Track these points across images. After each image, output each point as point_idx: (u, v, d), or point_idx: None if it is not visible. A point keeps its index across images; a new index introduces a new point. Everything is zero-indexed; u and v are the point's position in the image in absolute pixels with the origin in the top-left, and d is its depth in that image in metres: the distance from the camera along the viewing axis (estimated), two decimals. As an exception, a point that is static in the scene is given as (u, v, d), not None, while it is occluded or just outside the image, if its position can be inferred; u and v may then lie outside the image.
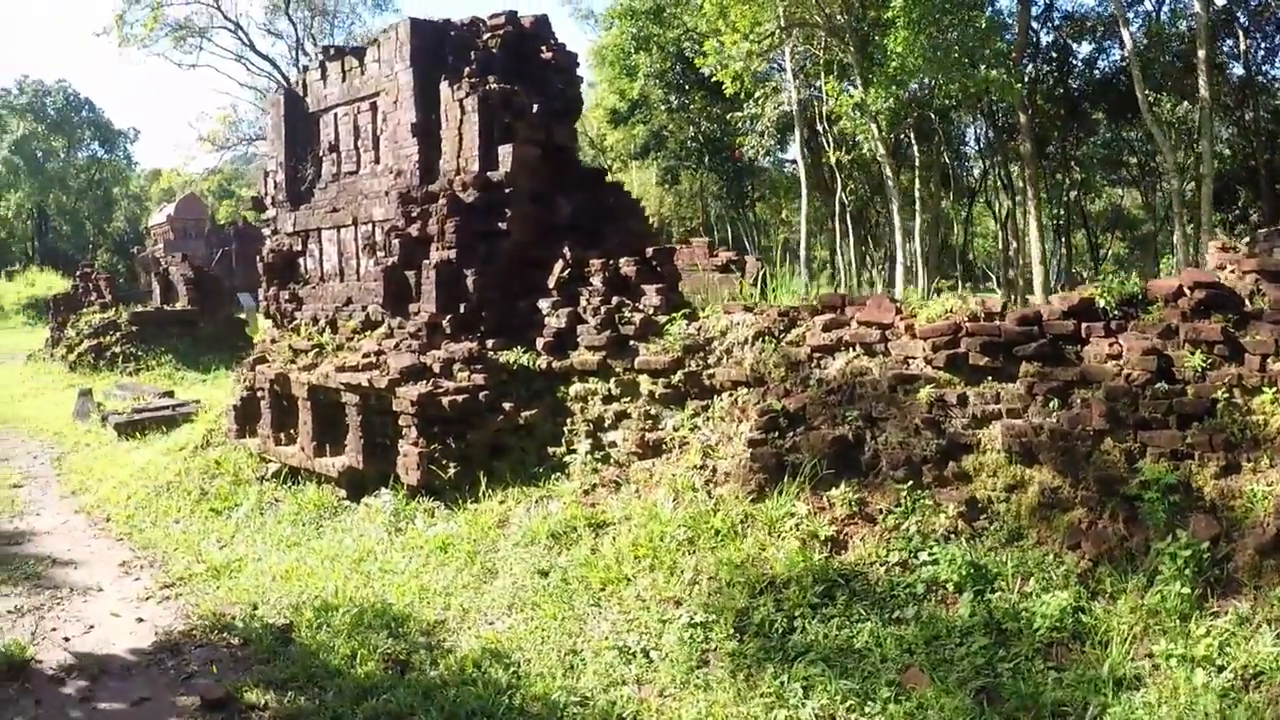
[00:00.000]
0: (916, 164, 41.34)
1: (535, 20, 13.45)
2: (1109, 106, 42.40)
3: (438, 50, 13.21)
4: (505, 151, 12.09)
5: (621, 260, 11.39)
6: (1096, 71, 42.76)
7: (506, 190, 12.04)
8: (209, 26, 48.12)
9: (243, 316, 34.35)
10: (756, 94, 39.79)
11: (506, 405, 11.18)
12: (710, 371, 10.11)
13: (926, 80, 34.00)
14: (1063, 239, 50.97)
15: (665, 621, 7.60)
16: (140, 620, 9.36)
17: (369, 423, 11.88)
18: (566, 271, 11.64)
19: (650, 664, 7.17)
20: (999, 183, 49.64)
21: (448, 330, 11.92)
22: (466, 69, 12.56)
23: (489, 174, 12.09)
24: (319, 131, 15.44)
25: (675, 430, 10.20)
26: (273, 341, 15.42)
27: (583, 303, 11.31)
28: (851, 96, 33.49)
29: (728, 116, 42.95)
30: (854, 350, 9.14)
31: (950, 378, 8.43)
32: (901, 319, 8.96)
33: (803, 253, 39.41)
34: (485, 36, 13.08)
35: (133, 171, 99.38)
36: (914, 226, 40.12)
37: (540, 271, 11.94)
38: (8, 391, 27.35)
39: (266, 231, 16.77)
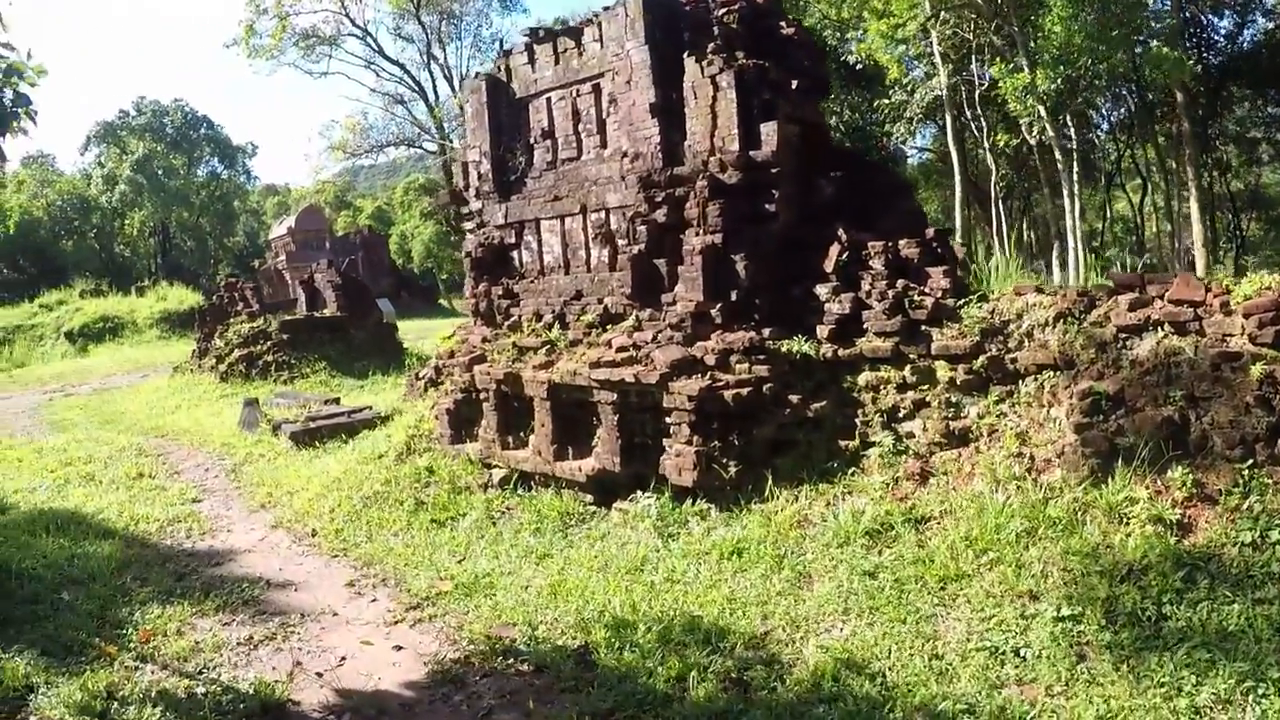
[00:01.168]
0: (1074, 146, 39.42)
1: None
2: (1252, 82, 40.82)
3: (671, 26, 12.63)
4: (769, 130, 11.47)
5: (901, 242, 10.87)
6: (1238, 47, 41.17)
7: (773, 170, 11.45)
8: (337, 35, 47.42)
9: (393, 322, 33.36)
10: (905, 80, 38.18)
11: (793, 398, 10.62)
12: (1012, 355, 9.65)
13: (1088, 60, 32.58)
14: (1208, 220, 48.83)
15: (1027, 617, 7.21)
16: (398, 648, 8.53)
17: (626, 422, 11.26)
18: (844, 255, 11.08)
19: (1025, 662, 6.76)
20: (1134, 165, 48.62)
21: (717, 320, 11.33)
22: (710, 45, 11.94)
23: (750, 154, 11.48)
24: (528, 118, 14.83)
25: (980, 418, 9.73)
26: (484, 340, 14.66)
27: (865, 287, 10.78)
28: (1020, 77, 31.90)
29: (874, 104, 41.22)
30: (1163, 329, 8.75)
31: (1278, 354, 7.99)
32: (1214, 296, 8.56)
33: (957, 239, 37.66)
34: (720, 12, 12.40)
35: (251, 186, 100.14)
36: (1067, 210, 38.28)
37: (805, 256, 11.41)
38: (161, 404, 26.62)
39: (468, 226, 15.92)
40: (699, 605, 8.36)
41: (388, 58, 48.58)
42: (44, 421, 25.48)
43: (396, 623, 9.08)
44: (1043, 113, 33.56)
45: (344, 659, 8.31)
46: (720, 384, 10.51)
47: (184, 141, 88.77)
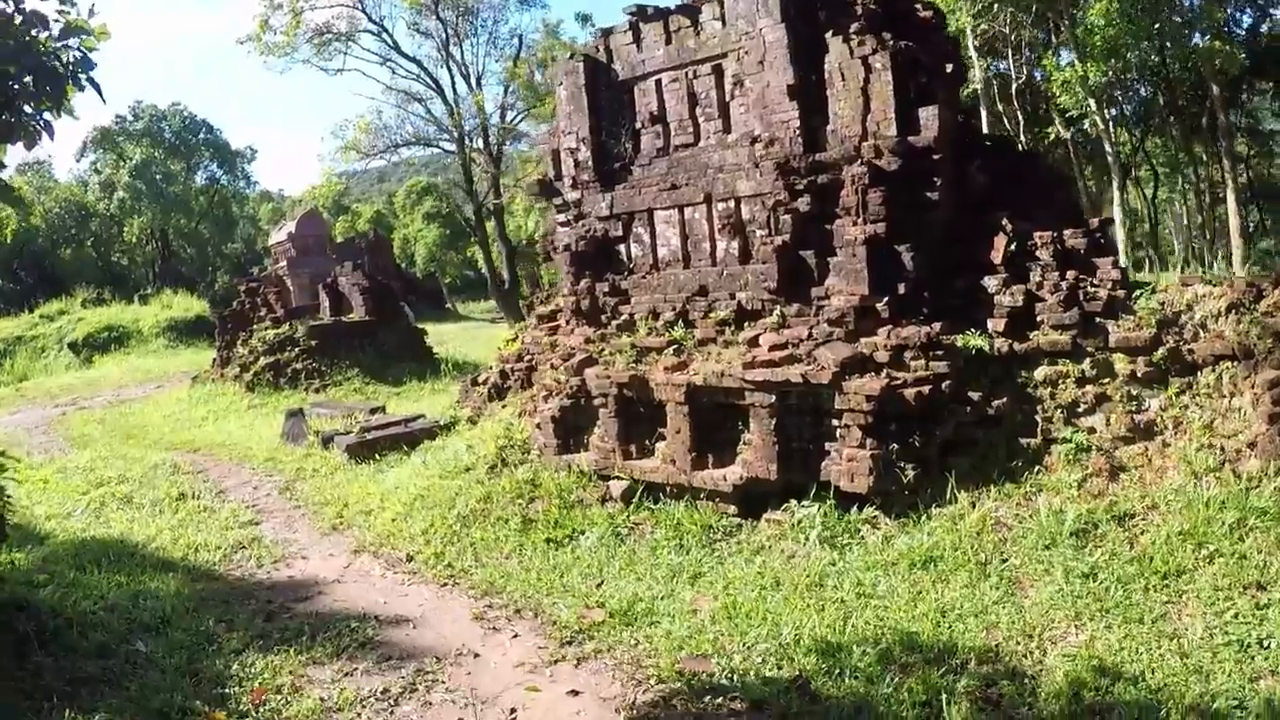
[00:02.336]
0: (1114, 139, 38.44)
1: None
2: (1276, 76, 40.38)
3: (804, 4, 11.84)
4: (929, 114, 10.95)
5: (1067, 232, 10.57)
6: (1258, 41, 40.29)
7: (934, 157, 10.91)
8: (352, 31, 45.93)
9: (422, 326, 32.01)
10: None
11: (973, 395, 10.14)
12: (1189, 347, 9.56)
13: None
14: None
15: (1262, 608, 7.03)
16: (574, 693, 7.39)
17: (782, 426, 10.49)
18: (1011, 246, 10.71)
19: (1272, 652, 6.53)
20: (1145, 158, 48.44)
21: (884, 315, 10.70)
22: (853, 25, 11.30)
23: (909, 139, 10.90)
24: (633, 101, 13.86)
25: (1163, 411, 9.60)
26: (586, 341, 13.59)
27: (1035, 279, 10.47)
28: (1073, 69, 31.09)
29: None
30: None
31: None
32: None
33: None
34: None
35: (251, 191, 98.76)
36: (1115, 203, 37.44)
37: (964, 247, 11.06)
38: (185, 416, 25.23)
39: (559, 218, 14.72)
40: (909, 620, 7.77)
41: (404, 54, 47.00)
42: (61, 437, 24.09)
43: (555, 662, 7.95)
44: (1093, 105, 32.90)
45: (514, 711, 7.09)
46: (899, 382, 9.94)
47: (183, 146, 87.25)
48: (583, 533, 11.03)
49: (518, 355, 16.69)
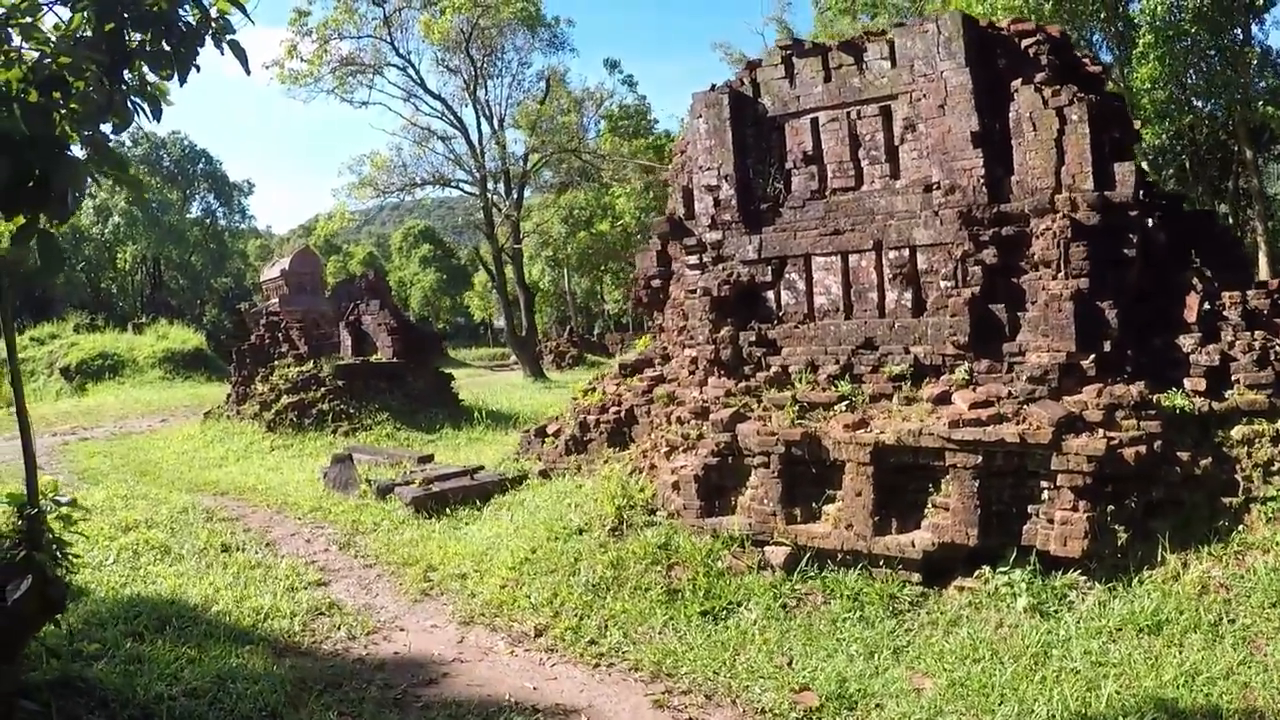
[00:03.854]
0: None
1: (1061, 31, 12.18)
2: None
3: (984, 49, 11.52)
4: (1125, 170, 10.66)
5: (1250, 292, 10.74)
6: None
7: (1130, 213, 10.62)
8: (379, 64, 44.64)
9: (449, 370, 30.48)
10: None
11: (1182, 455, 9.77)
12: None
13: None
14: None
15: None
16: None
17: (984, 488, 9.89)
18: (1204, 305, 10.67)
19: None
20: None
21: (1089, 373, 10.27)
22: (1038, 74, 11.08)
23: (1106, 194, 10.55)
24: (782, 140, 12.90)
25: None
26: (728, 394, 12.24)
27: (1226, 338, 10.47)
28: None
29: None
30: None
31: None
32: None
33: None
34: (1026, 43, 11.46)
35: (248, 225, 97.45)
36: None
37: (1153, 303, 10.88)
38: (201, 455, 23.48)
39: (690, 260, 13.38)
40: (1158, 687, 7.35)
41: (429, 90, 45.63)
42: (67, 469, 22.30)
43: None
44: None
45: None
46: (1115, 442, 9.48)
47: (181, 175, 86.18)
48: (740, 605, 9.88)
49: (601, 406, 15.16)
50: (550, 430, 16.60)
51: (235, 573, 11.99)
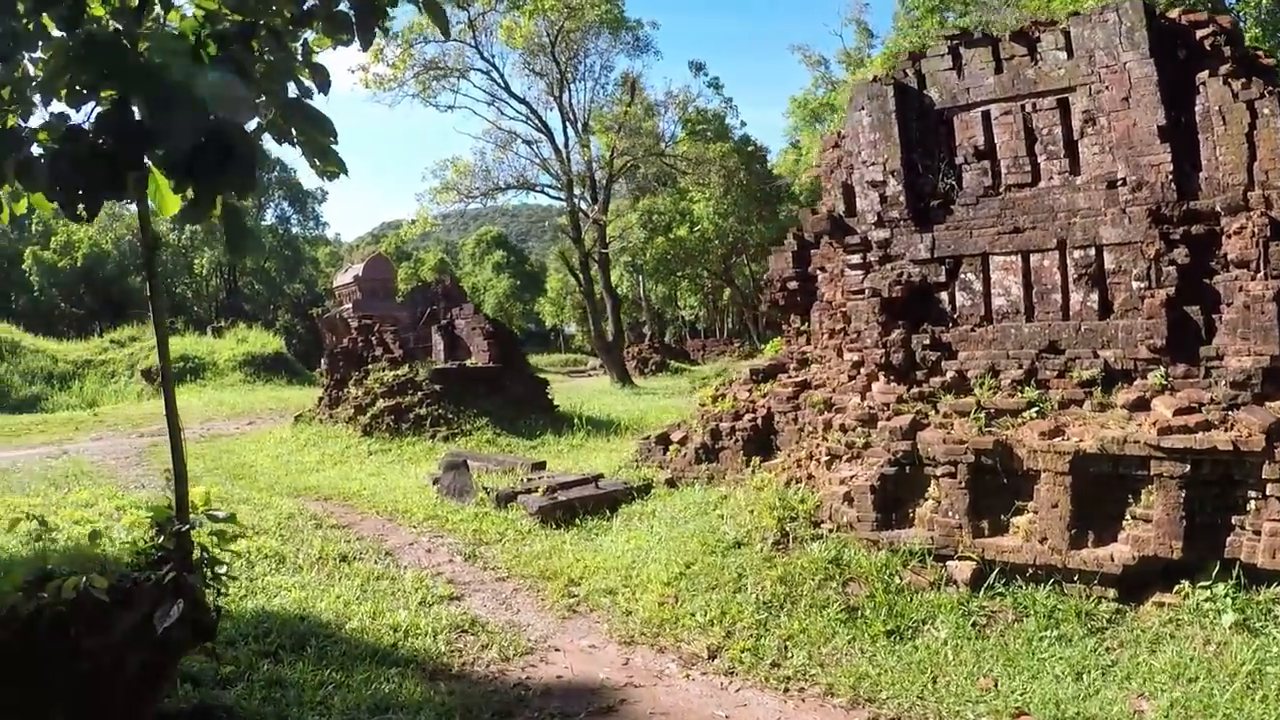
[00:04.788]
0: None
1: (1233, 22, 11.28)
2: None
3: (1164, 39, 10.81)
4: None
5: None
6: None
7: None
8: (464, 68, 44.19)
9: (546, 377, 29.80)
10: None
11: None
12: None
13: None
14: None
15: None
16: None
17: (1189, 499, 9.21)
18: None
19: None
20: None
21: None
22: (1224, 67, 10.34)
23: None
24: (952, 133, 12.22)
25: None
26: (899, 400, 11.35)
27: None
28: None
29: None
30: None
31: None
32: None
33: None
34: (1201, 34, 10.76)
35: (321, 231, 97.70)
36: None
37: None
38: (296, 459, 22.87)
39: (853, 260, 12.52)
40: None
41: (514, 94, 45.09)
42: (157, 471, 21.67)
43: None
44: None
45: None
46: None
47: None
48: (925, 623, 9.16)
49: (734, 413, 14.31)
50: (675, 438, 15.78)
51: (360, 585, 11.26)
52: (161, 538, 6.46)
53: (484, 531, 13.77)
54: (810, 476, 11.94)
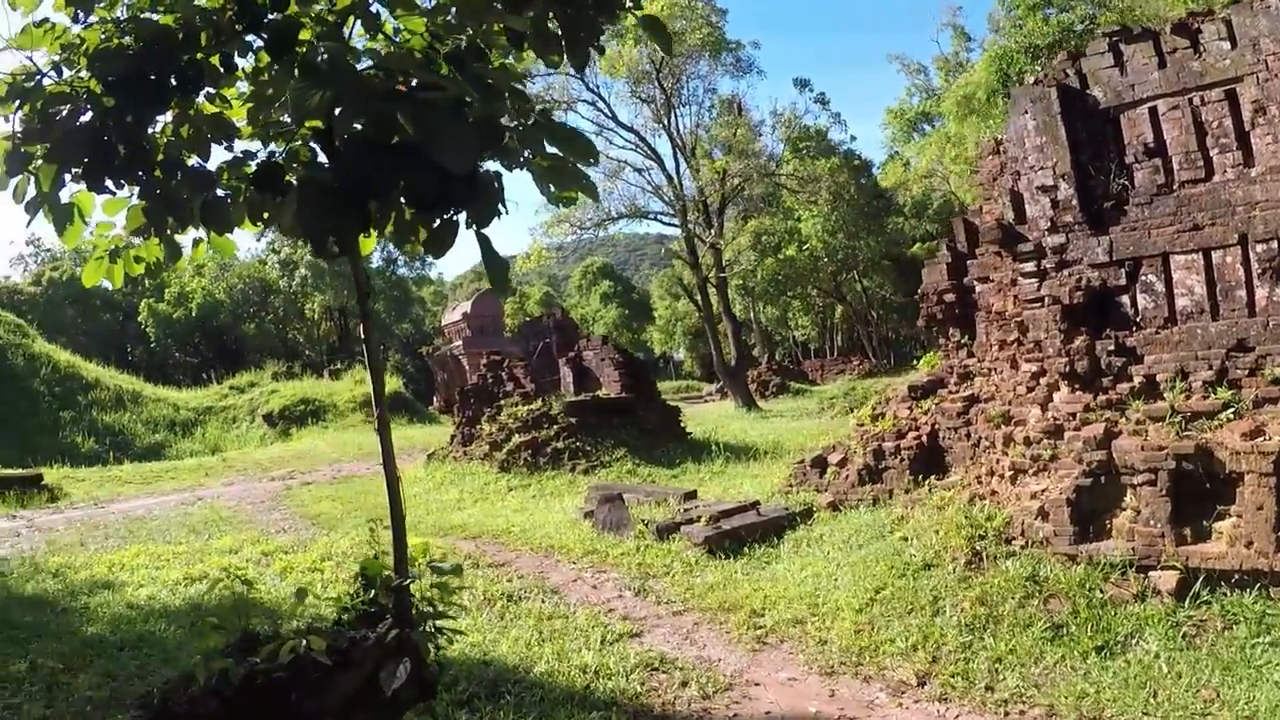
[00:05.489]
0: None
1: None
2: None
3: None
4: None
5: None
6: None
7: None
8: (570, 100, 44.27)
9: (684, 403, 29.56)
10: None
11: None
12: None
13: None
14: None
15: None
16: None
17: None
18: None
19: None
20: None
21: None
22: None
23: None
24: (1119, 132, 11.78)
25: None
26: (1086, 409, 10.91)
27: None
28: None
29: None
30: None
31: None
32: None
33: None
34: None
35: (428, 271, 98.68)
36: None
37: None
38: (434, 498, 22.85)
39: (1025, 268, 12.18)
40: None
41: (621, 123, 45.05)
42: (295, 514, 21.79)
43: None
44: None
45: None
46: None
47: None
48: (1132, 636, 8.73)
49: (897, 432, 13.90)
50: (832, 460, 15.39)
51: (534, 625, 11.02)
52: (372, 592, 6.23)
53: (649, 564, 13.46)
54: (994, 493, 11.53)
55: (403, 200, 4.71)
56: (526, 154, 4.69)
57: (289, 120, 5.04)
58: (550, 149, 4.73)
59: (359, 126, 4.47)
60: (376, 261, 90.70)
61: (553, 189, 4.93)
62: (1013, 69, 39.54)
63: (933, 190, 62.45)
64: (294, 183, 5.15)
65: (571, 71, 42.13)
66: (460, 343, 70.27)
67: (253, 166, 5.47)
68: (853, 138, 70.03)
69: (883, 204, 66.61)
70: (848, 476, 14.64)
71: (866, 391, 37.02)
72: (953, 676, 8.40)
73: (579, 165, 4.82)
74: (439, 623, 6.05)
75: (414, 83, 4.38)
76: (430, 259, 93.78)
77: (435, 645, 5.99)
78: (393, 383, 53.84)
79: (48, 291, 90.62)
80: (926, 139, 63.89)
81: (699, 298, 47.45)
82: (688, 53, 45.40)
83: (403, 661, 5.52)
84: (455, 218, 4.64)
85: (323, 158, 4.94)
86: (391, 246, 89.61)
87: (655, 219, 47.36)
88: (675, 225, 47.20)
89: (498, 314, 76.12)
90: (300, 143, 5.35)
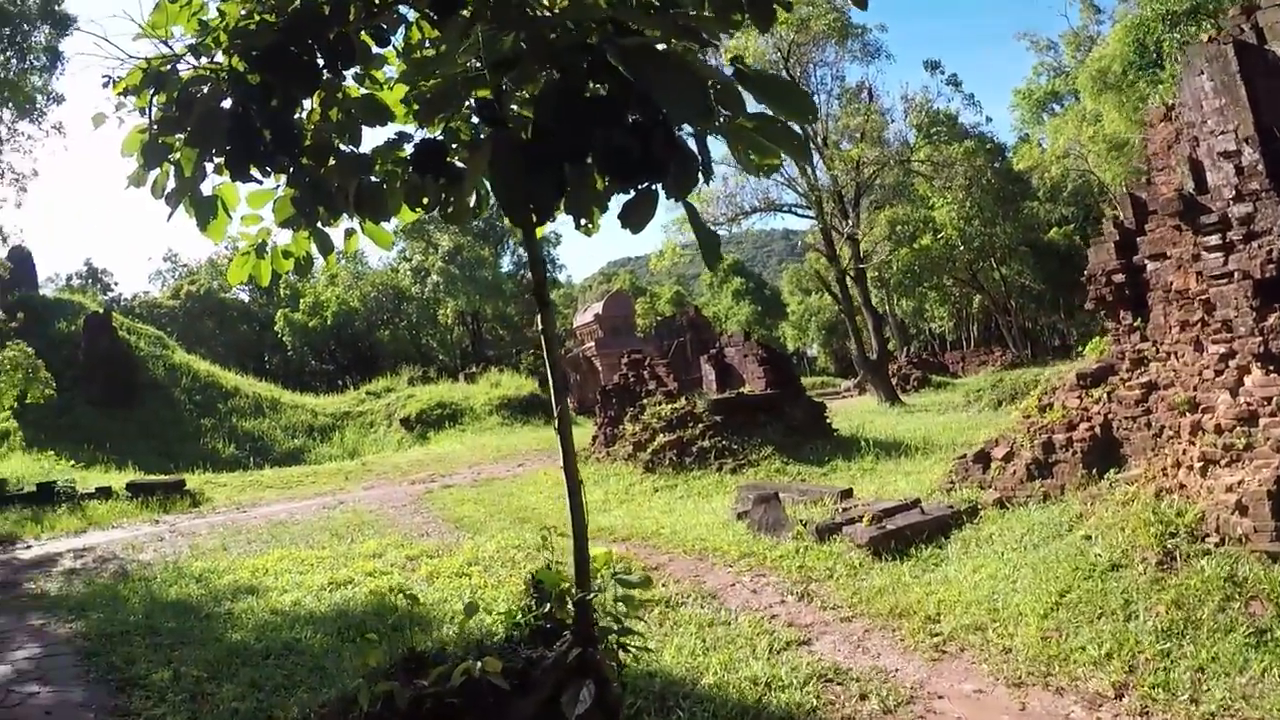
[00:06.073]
0: None
1: None
2: None
3: None
4: None
5: None
6: None
7: None
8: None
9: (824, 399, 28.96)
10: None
11: None
12: None
13: None
14: None
15: None
16: None
17: None
18: None
19: None
20: None
21: None
22: None
23: None
24: None
25: None
26: None
27: None
28: None
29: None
30: None
31: None
32: None
33: None
34: None
35: (559, 274, 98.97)
36: None
37: None
38: (588, 500, 22.33)
39: (1209, 241, 11.31)
40: None
41: (752, 115, 44.55)
42: (437, 517, 21.69)
43: None
44: None
45: None
46: None
47: (490, 232, 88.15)
48: None
49: (1067, 423, 13.17)
50: (996, 454, 14.68)
51: (696, 633, 10.59)
52: (546, 605, 5.83)
53: (810, 567, 12.92)
54: (1182, 486, 10.78)
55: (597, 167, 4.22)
56: (725, 115, 4.10)
57: (449, 96, 4.65)
58: (752, 108, 4.17)
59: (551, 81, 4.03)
60: (507, 266, 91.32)
61: (753, 156, 4.32)
62: (1149, 38, 38.12)
63: (1070, 171, 60.63)
64: (457, 164, 4.78)
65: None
66: (592, 344, 70.38)
67: (407, 150, 5.12)
68: (988, 119, 68.15)
69: (1018, 188, 64.87)
70: (1014, 472, 13.94)
71: (1014, 383, 35.96)
72: (1153, 688, 7.78)
73: (789, 124, 4.22)
74: (624, 639, 5.61)
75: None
76: (559, 261, 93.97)
77: (619, 665, 5.55)
78: (527, 384, 53.99)
79: (186, 304, 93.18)
80: (1060, 118, 62.12)
81: (837, 291, 46.55)
82: (814, 39, 44.64)
83: (586, 684, 5.12)
84: (654, 187, 4.14)
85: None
86: (523, 250, 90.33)
87: (790, 212, 46.64)
88: (809, 218, 46.56)
89: (629, 314, 76.07)
90: (461, 122, 4.97)
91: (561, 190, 4.27)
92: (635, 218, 4.19)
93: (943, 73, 64.24)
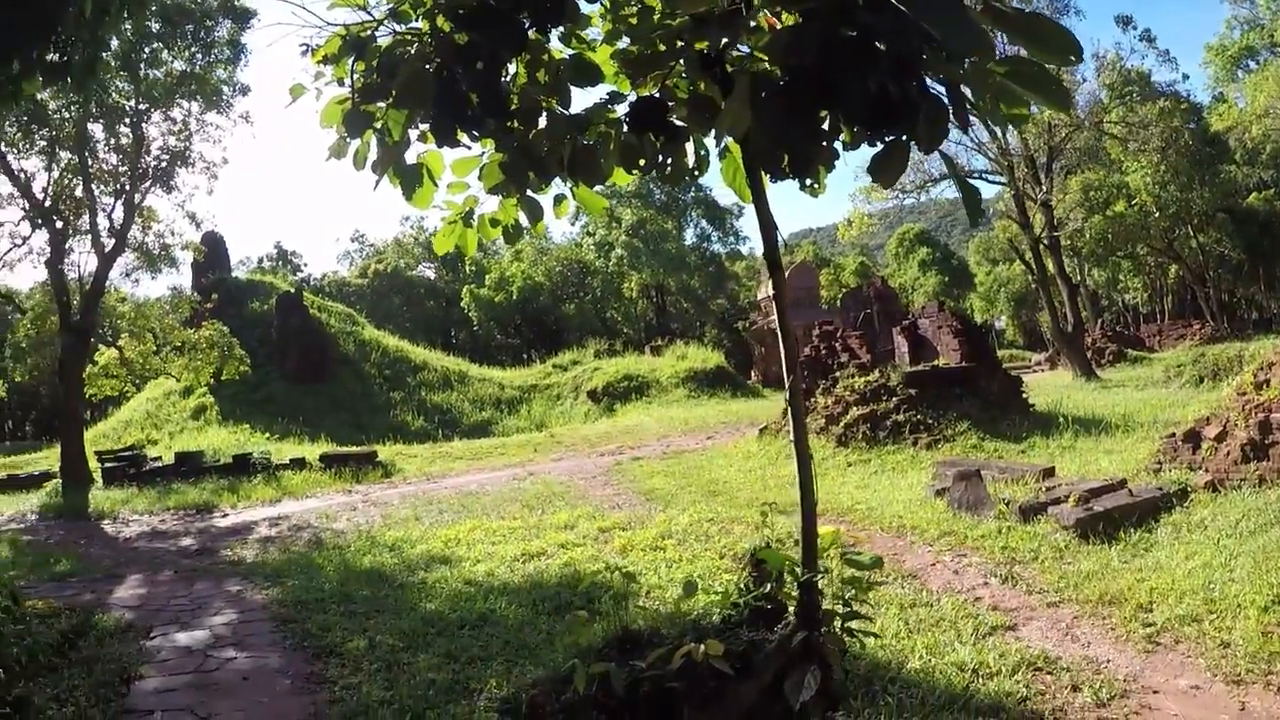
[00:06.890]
0: None
1: None
2: None
3: None
4: None
5: None
6: None
7: None
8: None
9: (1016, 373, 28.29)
10: None
11: None
12: None
13: None
14: None
15: None
16: None
17: None
18: None
19: None
20: None
21: None
22: None
23: None
24: None
25: None
26: None
27: None
28: None
29: None
30: None
31: None
32: None
33: None
34: None
35: (741, 246, 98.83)
36: None
37: None
38: (770, 473, 22.37)
39: None
40: None
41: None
42: (629, 490, 21.75)
43: None
44: None
45: None
46: None
47: (673, 206, 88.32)
48: None
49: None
50: (1208, 434, 14.14)
51: (898, 615, 10.38)
52: (767, 585, 5.77)
53: (1014, 549, 12.61)
54: None
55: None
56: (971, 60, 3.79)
57: (662, 52, 4.60)
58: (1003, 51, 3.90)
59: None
60: (690, 239, 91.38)
61: (1002, 107, 3.96)
62: None
63: (1270, 132, 57.56)
64: (676, 124, 4.74)
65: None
66: (775, 316, 70.09)
67: (619, 111, 5.10)
68: (1185, 77, 64.66)
69: (1215, 150, 61.90)
70: (1228, 453, 13.42)
71: (1217, 358, 34.51)
72: None
73: (1045, 68, 3.82)
74: (851, 624, 5.51)
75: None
76: (743, 234, 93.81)
77: (844, 651, 5.46)
78: (714, 357, 54.21)
79: (373, 283, 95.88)
80: (1259, 74, 59.22)
81: (1031, 260, 45.27)
82: (1000, -5, 43.37)
83: (811, 669, 5.01)
84: (904, 138, 3.97)
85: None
86: (705, 222, 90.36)
87: (981, 178, 45.46)
88: (1000, 184, 45.41)
89: (813, 286, 75.51)
90: (678, 78, 4.92)
91: (820, 138, 4.14)
92: (887, 170, 4.01)
93: (1135, 28, 61.91)
